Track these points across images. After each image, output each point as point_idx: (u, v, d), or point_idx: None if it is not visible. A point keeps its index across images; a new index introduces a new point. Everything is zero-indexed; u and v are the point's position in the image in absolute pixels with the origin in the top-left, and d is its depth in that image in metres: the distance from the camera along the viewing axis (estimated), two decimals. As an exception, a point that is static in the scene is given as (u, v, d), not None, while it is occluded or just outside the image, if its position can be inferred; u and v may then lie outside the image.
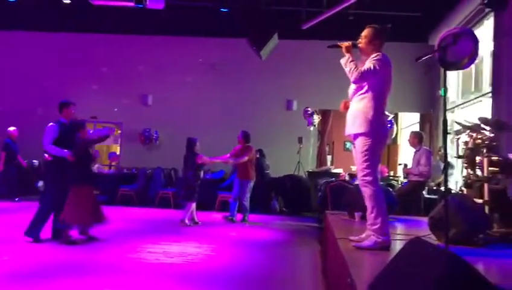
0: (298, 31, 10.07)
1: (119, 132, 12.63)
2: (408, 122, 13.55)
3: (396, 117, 13.16)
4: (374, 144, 3.67)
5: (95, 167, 10.09)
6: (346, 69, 3.72)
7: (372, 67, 3.61)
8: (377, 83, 3.69)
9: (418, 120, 12.22)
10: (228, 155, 8.39)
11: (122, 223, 7.55)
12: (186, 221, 7.70)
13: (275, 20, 9.61)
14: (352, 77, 3.67)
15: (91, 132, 7.99)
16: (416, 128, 11.70)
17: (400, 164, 10.60)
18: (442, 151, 9.10)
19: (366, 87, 3.72)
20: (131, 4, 8.20)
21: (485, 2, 7.78)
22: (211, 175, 10.64)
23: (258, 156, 9.90)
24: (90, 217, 5.85)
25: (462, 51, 3.04)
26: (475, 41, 3.09)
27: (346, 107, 3.91)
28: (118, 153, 12.70)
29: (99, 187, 9.17)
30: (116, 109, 12.26)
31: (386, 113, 7.50)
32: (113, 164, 12.30)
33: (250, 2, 8.18)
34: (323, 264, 4.97)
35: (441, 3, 9.70)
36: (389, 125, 7.50)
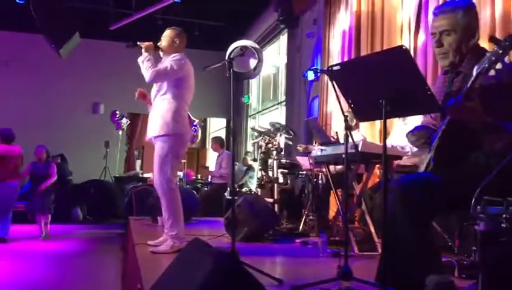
0: (105, 31, 9.70)
1: None
2: (216, 127, 14.15)
3: (205, 122, 13.65)
4: (173, 147, 3.64)
5: None
6: (143, 67, 3.65)
7: (168, 67, 3.62)
8: (177, 84, 3.69)
9: (225, 125, 12.85)
10: None
11: None
12: None
13: (78, 18, 9.07)
14: (147, 75, 3.61)
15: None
16: (223, 133, 12.26)
17: (203, 166, 10.98)
18: (245, 155, 9.78)
19: (165, 88, 3.71)
20: None
21: (280, 19, 8.57)
22: None
23: (58, 161, 9.22)
24: None
25: (248, 63, 3.28)
26: (260, 54, 3.36)
27: (141, 95, 3.90)
28: None
29: None
30: None
31: (192, 117, 7.68)
32: None
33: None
34: (124, 272, 4.85)
35: (243, 16, 10.37)
36: (194, 129, 7.73)
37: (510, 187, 1.64)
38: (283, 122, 8.29)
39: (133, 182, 8.99)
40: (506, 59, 1.79)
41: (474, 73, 1.81)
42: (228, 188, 7.91)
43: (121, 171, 11.32)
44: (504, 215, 1.45)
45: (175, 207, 3.65)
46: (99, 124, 11.13)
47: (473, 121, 1.93)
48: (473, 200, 1.49)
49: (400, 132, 4.17)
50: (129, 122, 11.10)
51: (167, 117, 3.63)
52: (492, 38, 1.84)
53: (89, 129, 11.10)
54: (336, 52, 6.59)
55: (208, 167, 8.36)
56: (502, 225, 1.44)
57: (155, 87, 3.81)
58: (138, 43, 3.77)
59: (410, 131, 2.40)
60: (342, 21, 6.47)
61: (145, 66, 3.63)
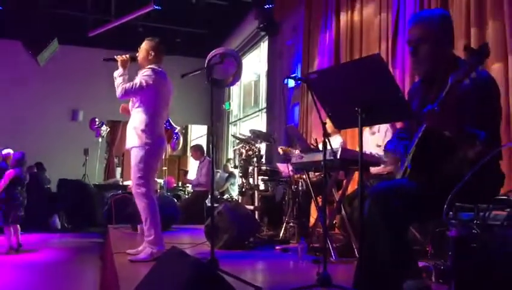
0: (84, 38, 9.63)
1: None
2: (197, 134, 14.09)
3: (186, 129, 13.58)
4: (147, 157, 3.69)
5: None
6: (115, 82, 3.70)
7: (137, 84, 3.66)
8: (150, 98, 3.72)
9: (206, 132, 12.82)
10: None
11: None
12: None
13: (56, 25, 8.97)
14: (117, 91, 3.67)
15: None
16: (204, 140, 12.23)
17: (182, 170, 10.88)
18: (226, 162, 9.76)
19: (139, 102, 3.76)
20: None
21: (261, 26, 8.60)
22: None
23: (35, 170, 9.07)
24: None
25: (227, 70, 3.29)
26: (238, 61, 3.37)
27: (124, 110, 3.97)
28: None
29: None
30: None
31: (173, 124, 7.63)
32: None
33: (26, 2, 7.42)
34: (102, 281, 4.78)
35: (224, 23, 10.39)
36: (175, 136, 7.68)
37: (481, 193, 1.67)
38: (264, 129, 8.32)
39: (112, 190, 8.88)
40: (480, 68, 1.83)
41: (450, 81, 1.83)
42: (210, 196, 7.87)
43: (101, 179, 11.20)
44: (475, 221, 1.47)
45: (151, 214, 3.67)
46: (78, 132, 11.01)
47: (448, 128, 1.95)
48: (445, 206, 1.51)
49: (368, 141, 4.22)
50: (109, 129, 10.99)
51: (138, 129, 3.70)
52: (467, 48, 1.88)
53: (67, 136, 10.97)
54: (315, 60, 6.65)
55: (187, 172, 8.30)
56: (473, 231, 1.47)
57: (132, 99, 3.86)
58: (115, 56, 3.80)
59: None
60: (322, 28, 6.53)
61: (117, 82, 3.70)
